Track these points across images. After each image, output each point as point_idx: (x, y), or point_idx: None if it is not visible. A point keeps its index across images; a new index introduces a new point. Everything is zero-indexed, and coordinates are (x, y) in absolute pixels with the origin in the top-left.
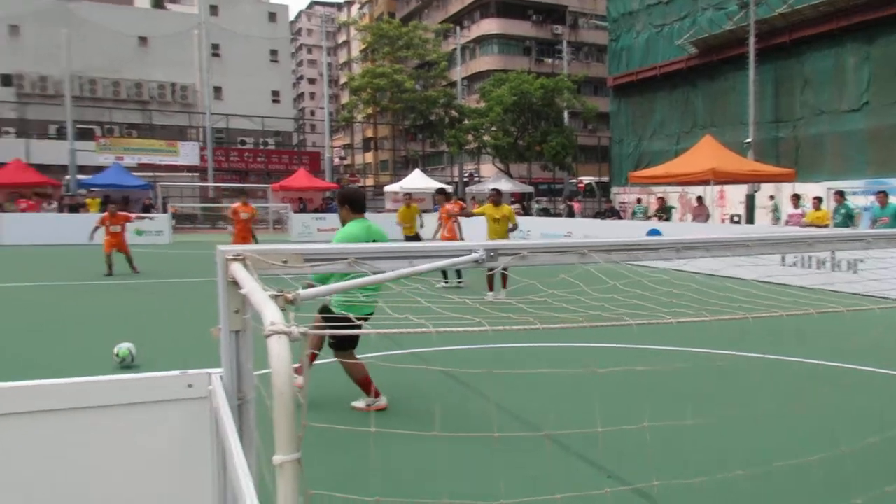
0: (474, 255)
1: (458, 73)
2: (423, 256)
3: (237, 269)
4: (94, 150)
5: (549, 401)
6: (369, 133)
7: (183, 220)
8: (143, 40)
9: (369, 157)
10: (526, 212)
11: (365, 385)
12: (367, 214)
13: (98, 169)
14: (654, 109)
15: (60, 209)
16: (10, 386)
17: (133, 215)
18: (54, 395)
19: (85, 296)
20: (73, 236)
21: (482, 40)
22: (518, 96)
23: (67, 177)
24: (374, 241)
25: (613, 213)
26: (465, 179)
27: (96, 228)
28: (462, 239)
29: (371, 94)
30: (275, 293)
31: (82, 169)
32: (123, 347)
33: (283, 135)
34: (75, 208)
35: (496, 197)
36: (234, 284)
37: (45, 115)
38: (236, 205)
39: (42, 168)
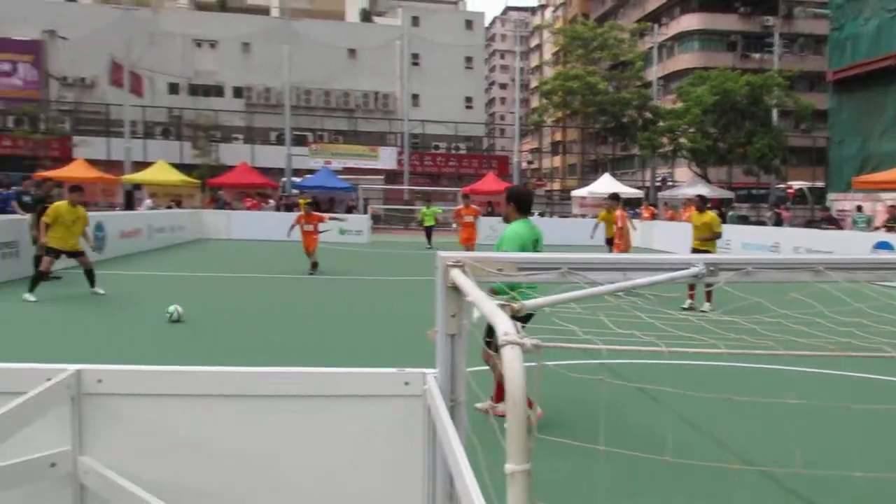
0: (694, 270)
1: (653, 72)
2: (638, 269)
3: (458, 276)
4: (306, 155)
5: (759, 429)
6: (558, 137)
7: (379, 221)
8: (351, 52)
9: (557, 160)
10: (724, 219)
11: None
12: (555, 219)
13: (309, 172)
14: (885, 105)
15: (277, 208)
16: (256, 371)
17: (326, 216)
18: (274, 382)
19: (299, 288)
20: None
21: (681, 37)
22: (720, 95)
23: (284, 179)
24: (536, 240)
25: (831, 222)
26: (658, 184)
27: (293, 227)
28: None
29: (562, 98)
30: (501, 303)
31: (296, 172)
32: (172, 307)
33: (473, 139)
34: (290, 207)
35: (700, 203)
36: (453, 290)
37: (268, 122)
38: (460, 207)
39: (264, 171)
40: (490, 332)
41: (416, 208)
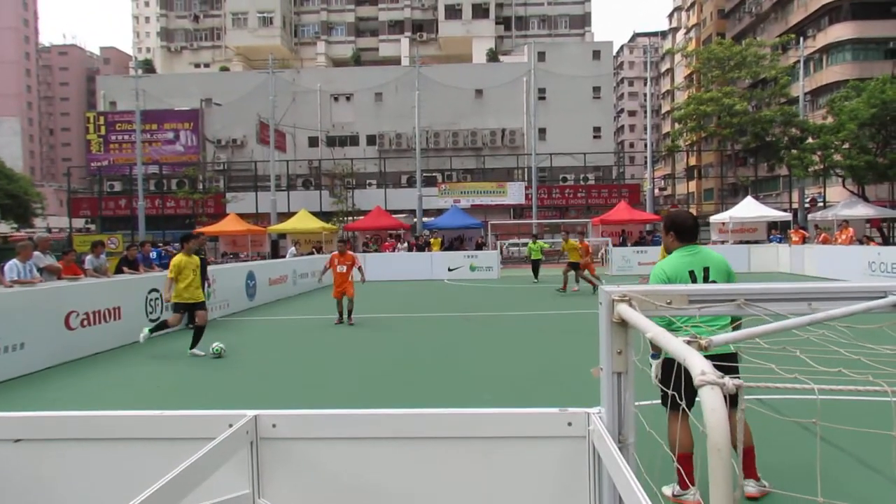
0: (892, 299)
1: (800, 87)
2: (825, 298)
3: (626, 311)
4: (436, 195)
5: None
6: (692, 161)
7: (507, 257)
8: (478, 92)
9: (692, 185)
10: (886, 240)
11: (685, 463)
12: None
13: (439, 212)
14: None
15: (409, 248)
16: (418, 413)
17: (358, 260)
18: (437, 423)
19: (437, 326)
20: (422, 272)
21: (831, 48)
22: (878, 106)
23: (415, 219)
24: (693, 270)
25: None
26: (807, 205)
27: (325, 270)
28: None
29: (696, 122)
30: (688, 339)
31: (427, 212)
32: (216, 345)
33: (602, 169)
34: (422, 247)
35: None
36: (619, 325)
37: (399, 166)
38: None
39: (395, 213)
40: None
41: (553, 241)
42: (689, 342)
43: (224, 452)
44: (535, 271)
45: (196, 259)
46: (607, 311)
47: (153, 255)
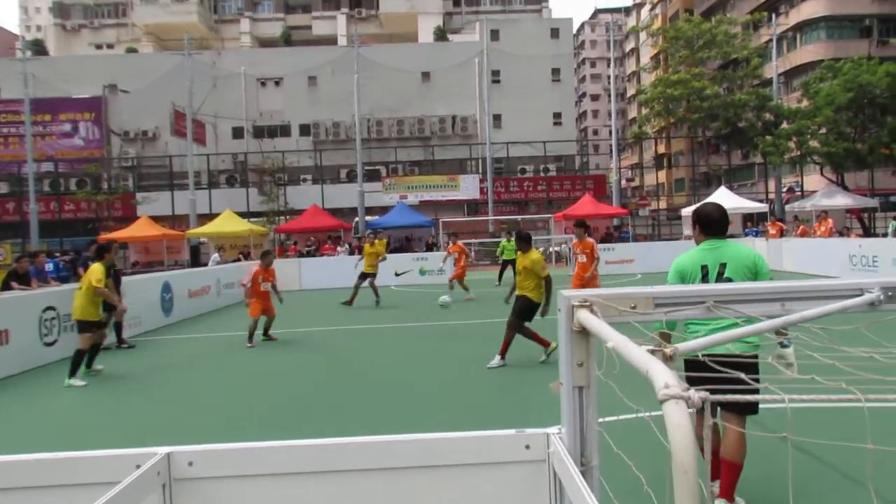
0: (868, 297)
1: (773, 68)
2: (799, 298)
3: (587, 318)
4: (380, 191)
5: None
6: (661, 149)
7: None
8: (425, 75)
9: (662, 176)
10: (867, 231)
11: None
12: (663, 243)
13: (384, 210)
14: None
15: (351, 251)
16: (354, 442)
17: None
18: (368, 454)
19: (376, 340)
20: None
21: (804, 26)
22: (855, 90)
23: (357, 219)
24: (721, 264)
25: None
26: (784, 194)
27: (247, 287)
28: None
29: (664, 106)
30: (651, 348)
31: (370, 210)
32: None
33: (564, 159)
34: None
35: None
36: (580, 334)
37: (337, 160)
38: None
39: (334, 212)
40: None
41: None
42: (652, 351)
43: (130, 499)
44: (502, 273)
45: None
46: (566, 318)
47: (49, 267)
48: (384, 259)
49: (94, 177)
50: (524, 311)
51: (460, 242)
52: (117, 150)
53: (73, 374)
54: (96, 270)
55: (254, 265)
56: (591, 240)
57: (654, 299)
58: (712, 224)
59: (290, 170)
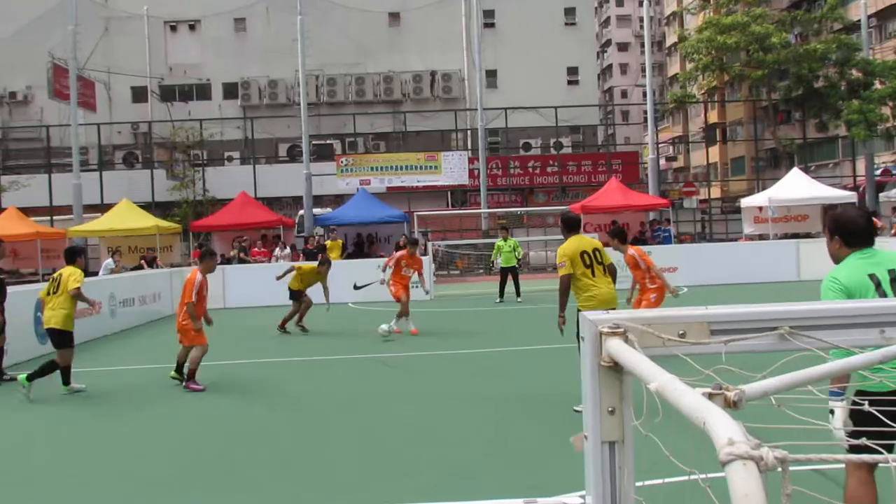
0: None
1: (861, 7)
2: None
3: (620, 350)
4: (333, 174)
5: None
6: (713, 117)
7: (446, 265)
8: (394, 17)
9: (714, 153)
10: None
11: None
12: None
13: (339, 199)
14: None
15: (296, 257)
16: None
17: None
18: None
19: (332, 376)
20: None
21: None
22: None
23: (301, 211)
24: (890, 270)
25: None
26: (877, 178)
27: (189, 301)
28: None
29: (714, 58)
30: (709, 390)
31: (319, 200)
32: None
33: (583, 131)
34: (313, 254)
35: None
36: (612, 371)
37: (274, 131)
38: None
39: (270, 202)
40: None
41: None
42: (711, 394)
43: None
44: (503, 285)
45: None
46: (592, 349)
47: None
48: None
49: None
50: None
51: (417, 254)
52: None
53: None
54: None
55: (189, 272)
56: (633, 250)
57: (710, 324)
58: (860, 233)
59: (211, 145)
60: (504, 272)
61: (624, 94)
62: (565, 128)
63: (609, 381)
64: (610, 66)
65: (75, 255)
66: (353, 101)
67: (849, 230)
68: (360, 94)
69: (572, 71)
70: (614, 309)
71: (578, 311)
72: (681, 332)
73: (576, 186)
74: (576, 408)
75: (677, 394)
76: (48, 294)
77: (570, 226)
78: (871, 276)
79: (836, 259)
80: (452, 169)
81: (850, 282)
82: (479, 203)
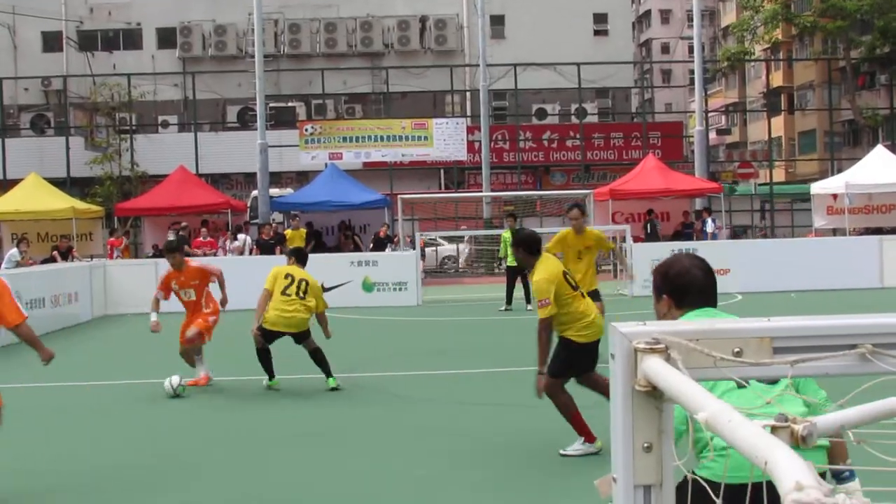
0: None
1: None
2: None
3: (660, 370)
4: (296, 145)
5: None
6: (776, 80)
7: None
8: None
9: (777, 125)
10: None
11: None
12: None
13: (303, 176)
14: None
15: (247, 249)
16: None
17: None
18: None
19: (297, 407)
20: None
21: None
22: None
23: (255, 192)
24: None
25: None
26: None
27: (157, 300)
28: None
29: (780, 5)
30: (772, 423)
31: (277, 178)
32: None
33: (613, 95)
34: (270, 247)
35: None
36: (648, 397)
37: (222, 90)
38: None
39: (216, 180)
40: None
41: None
42: (775, 428)
43: None
44: (511, 289)
45: None
46: (625, 370)
47: None
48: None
49: None
50: None
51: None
52: None
53: None
54: None
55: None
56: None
57: (773, 340)
58: (694, 289)
59: (142, 107)
60: (511, 272)
61: (665, 49)
62: (590, 90)
63: (645, 410)
64: (648, 12)
65: None
66: (321, 53)
67: (679, 286)
68: (331, 44)
69: (600, 18)
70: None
71: (569, 344)
72: (736, 349)
73: (602, 165)
74: (563, 451)
75: (732, 426)
76: None
77: (537, 247)
78: None
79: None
80: (446, 141)
81: None
82: (481, 184)
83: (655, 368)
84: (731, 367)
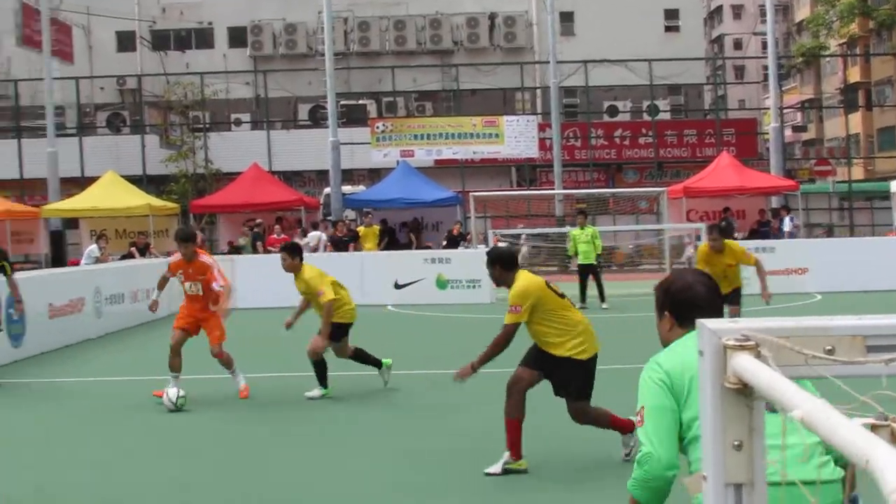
0: None
1: None
2: None
3: (752, 368)
4: (368, 143)
5: None
6: (854, 75)
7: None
8: None
9: (855, 122)
10: None
11: None
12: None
13: (374, 173)
14: None
15: (321, 246)
16: None
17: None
18: None
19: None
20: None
21: None
22: None
23: (327, 189)
24: None
25: None
26: None
27: (162, 283)
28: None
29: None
30: (871, 420)
31: (350, 175)
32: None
33: (685, 91)
34: (343, 243)
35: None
36: (739, 395)
37: (294, 88)
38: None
39: (289, 177)
40: None
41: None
42: (874, 426)
43: None
44: (584, 287)
45: None
46: (714, 367)
47: None
48: None
49: None
50: None
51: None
52: None
53: None
54: None
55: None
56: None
57: (866, 338)
58: (698, 307)
59: (215, 105)
60: (583, 270)
61: (738, 45)
62: (662, 87)
63: (735, 408)
64: (720, 7)
65: None
66: (391, 50)
67: (681, 302)
68: (400, 41)
69: (671, 14)
70: None
71: (576, 363)
72: (828, 347)
73: (675, 162)
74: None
75: (830, 425)
76: None
77: (512, 261)
78: None
79: (666, 344)
80: (517, 138)
81: (675, 371)
82: (552, 182)
83: (746, 365)
84: (824, 366)
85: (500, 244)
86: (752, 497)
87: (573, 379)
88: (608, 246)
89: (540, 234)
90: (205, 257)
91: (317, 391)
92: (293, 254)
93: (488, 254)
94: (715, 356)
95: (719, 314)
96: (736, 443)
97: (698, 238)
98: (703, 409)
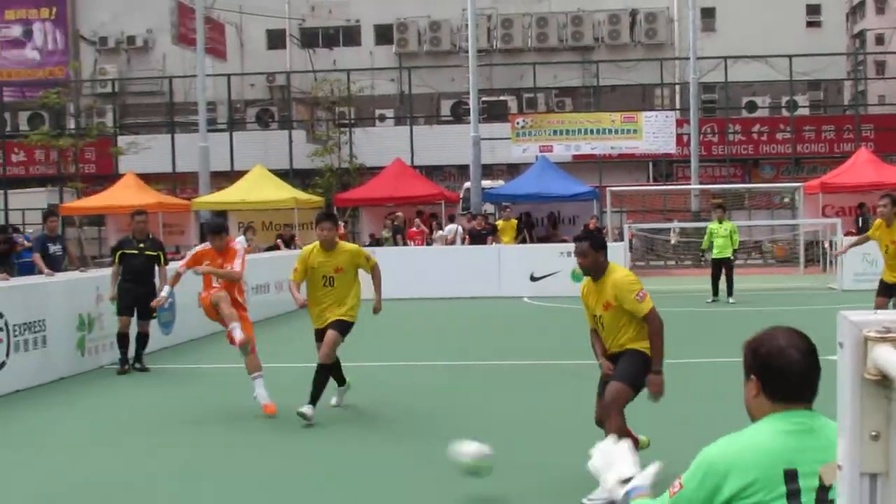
0: None
1: None
2: None
3: (890, 358)
4: (507, 138)
5: None
6: None
7: (641, 253)
8: None
9: None
10: None
11: None
12: None
13: (513, 168)
14: None
15: (460, 239)
16: None
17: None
18: None
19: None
20: (481, 283)
21: None
22: None
23: (467, 184)
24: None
25: None
26: None
27: (178, 276)
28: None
29: None
30: None
31: (489, 170)
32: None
33: (825, 87)
34: (481, 236)
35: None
36: (878, 385)
37: (436, 84)
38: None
39: (430, 172)
40: None
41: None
42: None
43: None
44: (717, 280)
45: None
46: (854, 358)
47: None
48: None
49: (54, 110)
50: None
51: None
52: (90, 68)
53: None
54: None
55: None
56: None
57: None
58: (792, 378)
59: (360, 101)
60: (717, 264)
61: (879, 40)
62: (802, 83)
63: (874, 399)
64: (862, 2)
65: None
66: (532, 47)
67: (770, 368)
68: (542, 38)
69: (813, 9)
70: None
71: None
72: None
73: (813, 158)
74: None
75: None
76: None
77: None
78: (789, 474)
79: (751, 412)
80: (656, 133)
81: (742, 465)
82: (689, 177)
83: (887, 357)
84: None
85: (634, 238)
86: (888, 487)
87: (631, 362)
88: (744, 240)
89: (678, 229)
90: (235, 244)
91: (334, 399)
92: (337, 223)
93: (592, 238)
94: (855, 348)
95: (813, 389)
96: (873, 433)
97: (834, 234)
98: (841, 399)
